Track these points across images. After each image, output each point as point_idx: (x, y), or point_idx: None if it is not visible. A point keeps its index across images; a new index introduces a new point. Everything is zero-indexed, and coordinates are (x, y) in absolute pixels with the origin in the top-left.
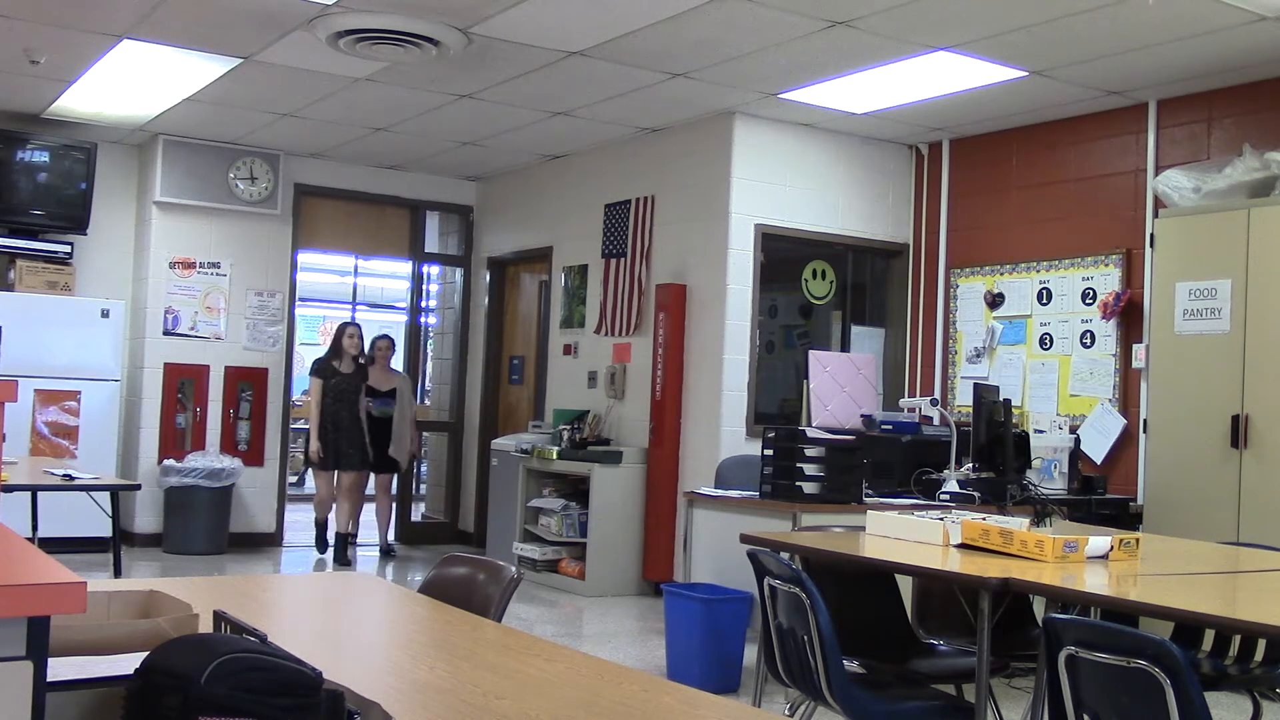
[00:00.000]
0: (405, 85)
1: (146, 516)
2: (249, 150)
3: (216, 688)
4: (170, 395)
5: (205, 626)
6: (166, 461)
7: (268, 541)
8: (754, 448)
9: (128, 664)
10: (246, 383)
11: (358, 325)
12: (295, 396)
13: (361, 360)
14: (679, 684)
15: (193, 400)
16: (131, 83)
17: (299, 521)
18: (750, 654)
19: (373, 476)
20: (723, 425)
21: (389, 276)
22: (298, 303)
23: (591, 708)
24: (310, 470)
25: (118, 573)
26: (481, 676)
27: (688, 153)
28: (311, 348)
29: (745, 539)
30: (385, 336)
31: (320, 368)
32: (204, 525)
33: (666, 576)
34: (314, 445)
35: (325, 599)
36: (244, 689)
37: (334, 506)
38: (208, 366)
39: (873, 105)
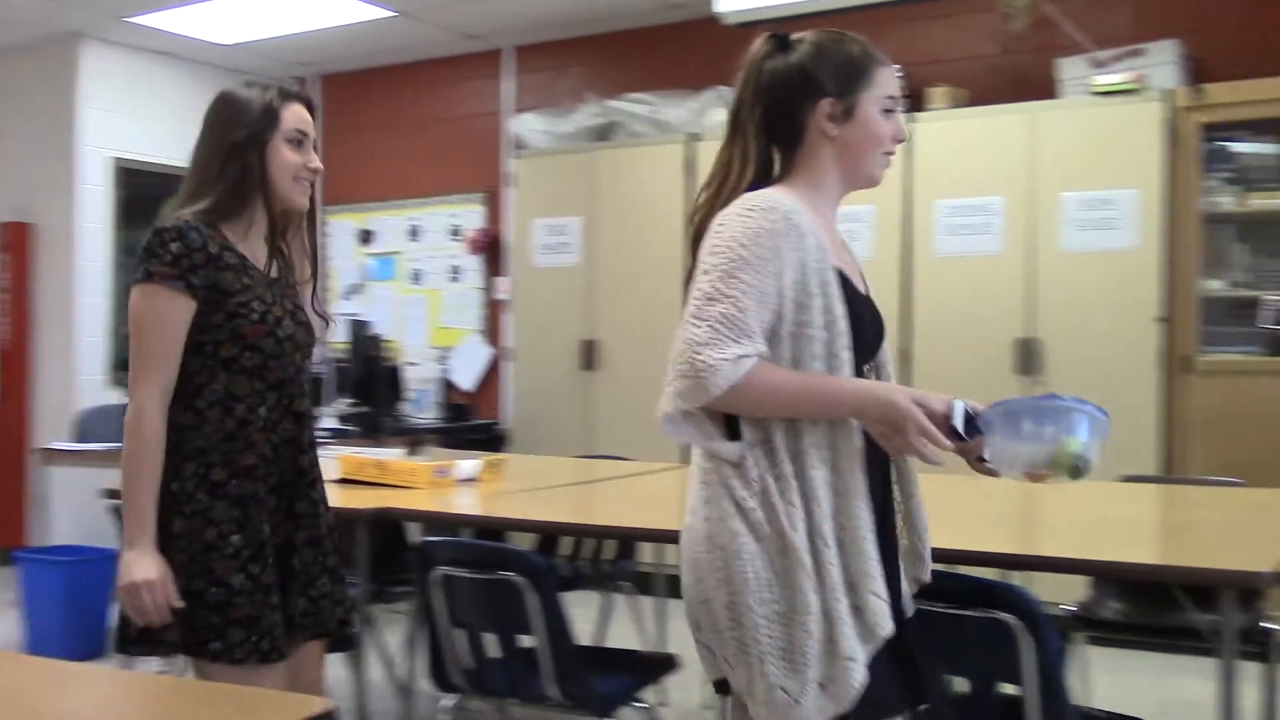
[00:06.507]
0: None
1: None
2: None
3: None
4: None
5: None
6: None
7: None
8: (117, 397)
9: None
10: None
11: (308, 101)
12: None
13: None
14: (41, 658)
15: None
16: None
17: None
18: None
19: None
20: (78, 375)
21: None
22: None
23: None
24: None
25: None
26: None
27: (27, 78)
28: None
29: (110, 494)
30: None
31: (172, 256)
32: None
33: (18, 542)
34: (148, 571)
35: None
36: None
37: None
38: None
39: (239, 37)
